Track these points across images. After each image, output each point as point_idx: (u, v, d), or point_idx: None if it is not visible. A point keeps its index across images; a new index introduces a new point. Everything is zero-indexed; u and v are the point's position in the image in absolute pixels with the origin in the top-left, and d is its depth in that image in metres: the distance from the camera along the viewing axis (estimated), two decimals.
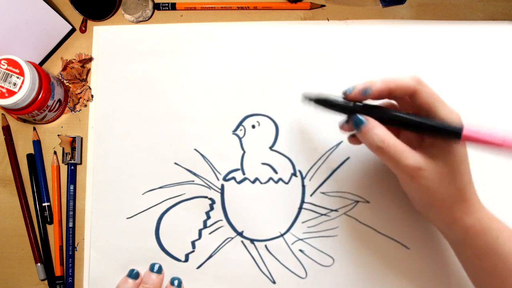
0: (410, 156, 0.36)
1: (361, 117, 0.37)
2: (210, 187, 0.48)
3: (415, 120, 0.36)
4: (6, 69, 0.44)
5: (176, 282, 0.46)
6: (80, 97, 0.50)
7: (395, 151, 0.36)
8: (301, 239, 0.47)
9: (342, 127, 0.41)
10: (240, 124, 0.49)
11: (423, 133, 0.37)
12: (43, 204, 0.48)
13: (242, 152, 0.48)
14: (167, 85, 0.50)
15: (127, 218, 0.48)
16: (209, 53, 0.50)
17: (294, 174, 0.48)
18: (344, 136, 0.48)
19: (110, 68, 0.50)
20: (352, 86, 0.38)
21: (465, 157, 0.37)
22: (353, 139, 0.42)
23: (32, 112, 0.46)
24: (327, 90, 0.48)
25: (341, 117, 0.40)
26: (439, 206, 0.38)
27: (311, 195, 0.47)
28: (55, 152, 0.49)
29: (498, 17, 0.51)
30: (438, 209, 0.39)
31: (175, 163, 0.48)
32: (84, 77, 0.50)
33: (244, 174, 0.48)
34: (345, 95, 0.38)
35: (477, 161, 0.41)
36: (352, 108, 0.38)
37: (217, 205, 0.47)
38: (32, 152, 0.49)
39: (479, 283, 0.39)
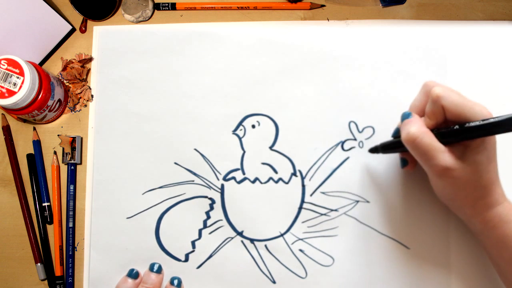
0: (440, 155, 0.37)
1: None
2: (210, 187, 0.48)
3: (468, 127, 0.36)
4: (6, 69, 0.44)
5: (176, 282, 0.46)
6: (80, 97, 0.50)
7: (427, 149, 0.37)
8: (301, 239, 0.47)
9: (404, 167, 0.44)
10: (240, 124, 0.49)
11: (471, 137, 0.37)
12: (43, 204, 0.48)
13: (242, 152, 0.48)
14: (167, 85, 0.50)
15: (127, 218, 0.48)
16: (209, 53, 0.50)
17: (294, 174, 0.48)
18: (344, 136, 0.48)
19: (110, 68, 0.50)
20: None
21: (494, 156, 0.38)
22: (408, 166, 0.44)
23: (32, 112, 0.46)
24: (327, 90, 0.49)
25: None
26: (463, 201, 0.39)
27: (311, 195, 0.47)
28: (55, 152, 0.49)
29: (498, 17, 0.51)
30: (462, 204, 0.40)
31: (175, 163, 0.48)
32: (84, 77, 0.50)
33: (244, 174, 0.48)
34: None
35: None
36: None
37: (217, 205, 0.47)
38: (32, 152, 0.49)
39: (500, 270, 0.41)
